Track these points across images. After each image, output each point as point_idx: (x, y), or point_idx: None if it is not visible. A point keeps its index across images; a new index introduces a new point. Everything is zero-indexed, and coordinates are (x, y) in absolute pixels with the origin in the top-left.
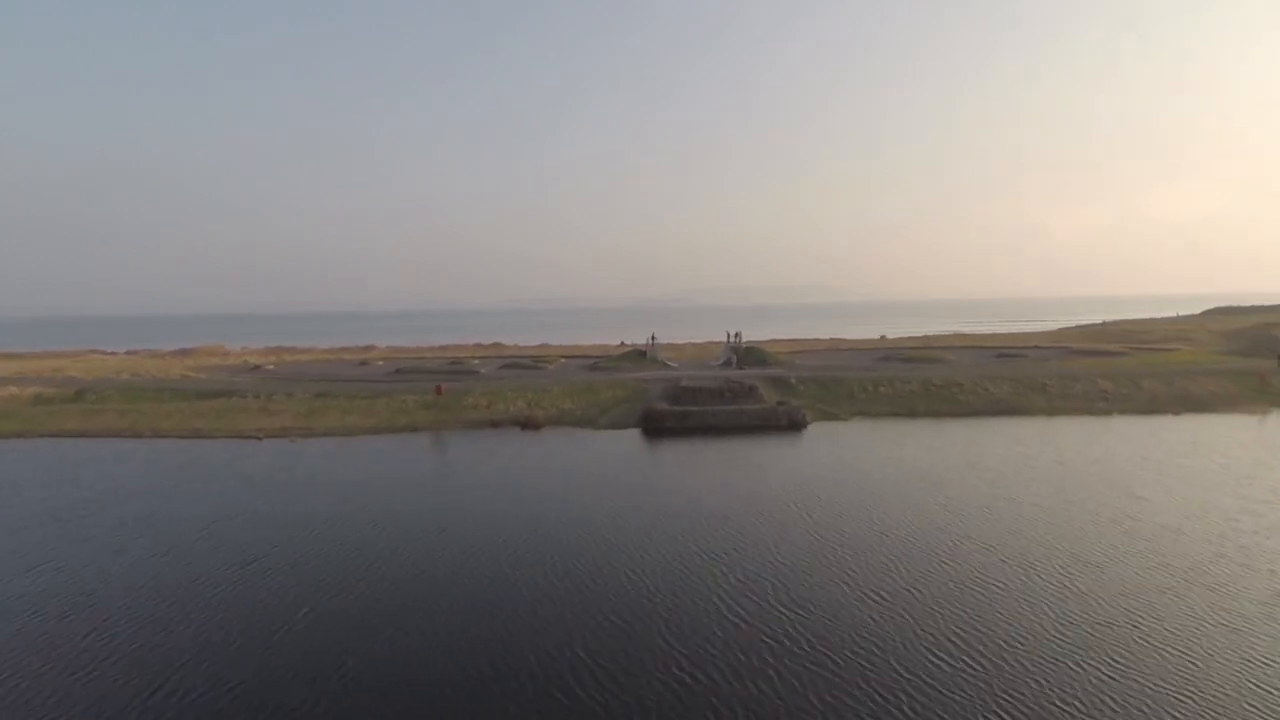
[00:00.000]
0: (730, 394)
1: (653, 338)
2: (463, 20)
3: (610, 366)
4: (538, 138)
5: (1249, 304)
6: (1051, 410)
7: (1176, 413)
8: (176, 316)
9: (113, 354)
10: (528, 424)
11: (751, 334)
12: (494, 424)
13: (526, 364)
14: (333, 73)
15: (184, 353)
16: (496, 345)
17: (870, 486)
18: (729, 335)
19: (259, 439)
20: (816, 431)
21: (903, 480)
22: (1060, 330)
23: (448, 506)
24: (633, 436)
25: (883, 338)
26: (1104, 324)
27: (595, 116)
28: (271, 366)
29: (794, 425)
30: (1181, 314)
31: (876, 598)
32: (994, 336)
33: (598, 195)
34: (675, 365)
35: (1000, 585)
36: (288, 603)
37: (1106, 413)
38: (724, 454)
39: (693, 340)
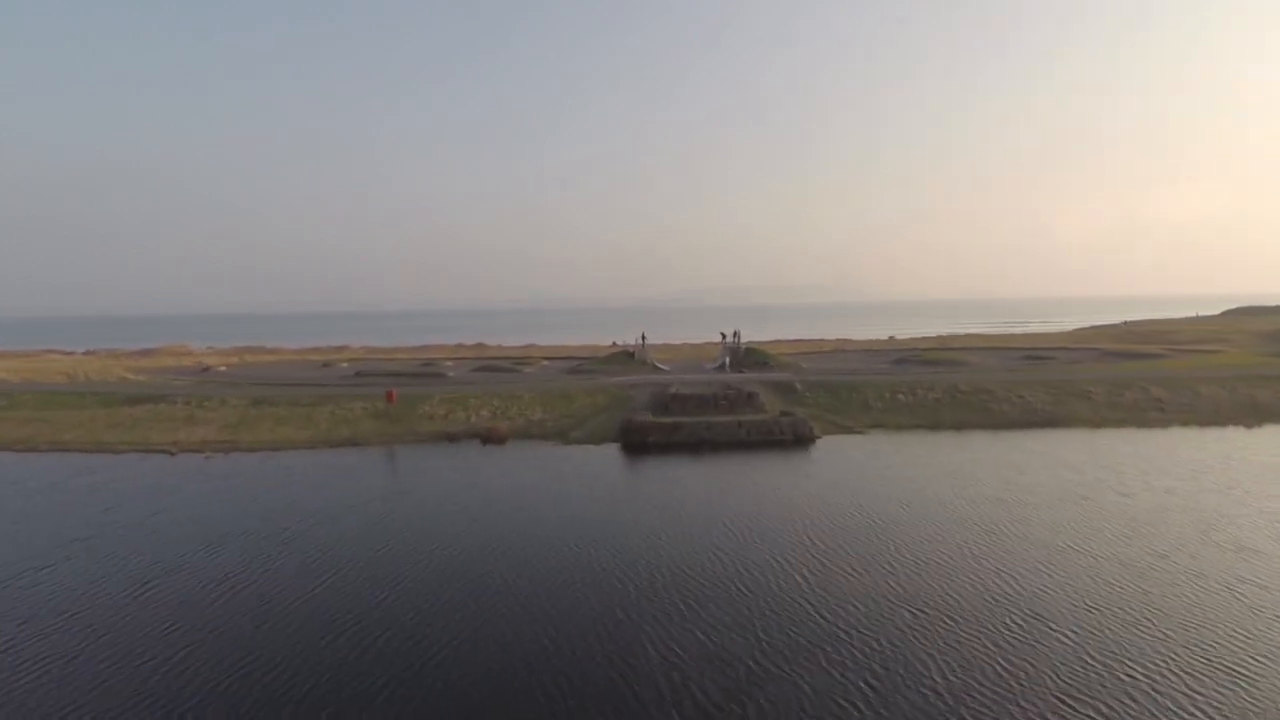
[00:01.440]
0: (726, 402)
1: (642, 337)
2: (462, 20)
3: (593, 370)
4: (538, 137)
5: (1263, 304)
6: (1098, 421)
7: (1248, 425)
8: (175, 317)
9: (70, 354)
10: (489, 437)
11: (752, 334)
12: (450, 437)
13: (503, 366)
14: (333, 72)
15: (145, 353)
16: (479, 345)
17: (895, 533)
18: (724, 336)
19: (171, 454)
20: (826, 447)
21: (934, 522)
22: (1076, 331)
23: (339, 565)
24: (610, 453)
25: (891, 338)
26: (1124, 324)
27: (596, 116)
28: (225, 368)
29: (800, 440)
30: (1200, 314)
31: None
32: (1013, 337)
33: (599, 195)
34: (667, 368)
35: (1104, 705)
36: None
37: (1163, 424)
38: (713, 477)
39: (689, 340)
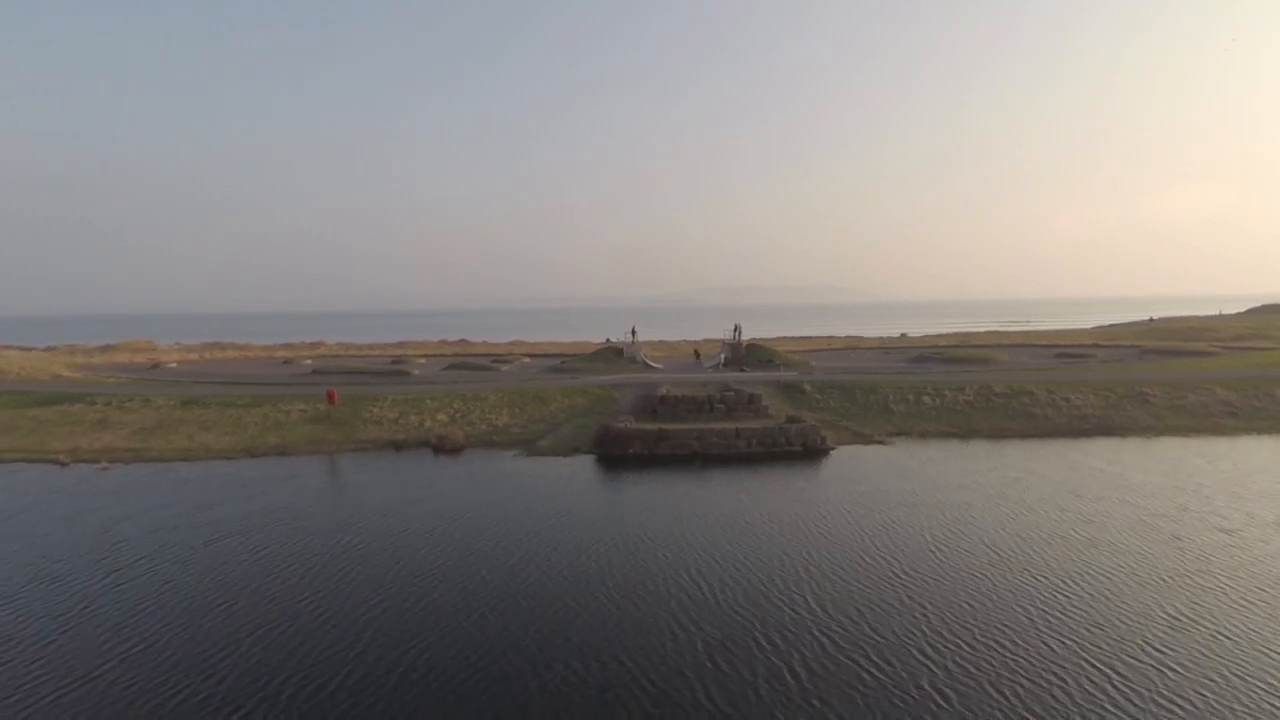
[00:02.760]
0: (724, 406)
1: (633, 332)
2: (471, 22)
3: (576, 367)
4: (545, 138)
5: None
6: (1160, 428)
7: None
8: (180, 315)
9: (28, 350)
10: (441, 446)
11: (756, 331)
12: (397, 445)
13: (478, 364)
14: (346, 75)
15: (104, 349)
16: (462, 342)
17: (931, 594)
18: (729, 334)
19: (62, 464)
20: (842, 461)
21: (983, 577)
22: (1099, 329)
23: (184, 610)
24: (582, 467)
25: (904, 335)
26: (1151, 321)
27: (604, 116)
28: (175, 365)
29: (810, 451)
30: (1222, 312)
31: None
32: (1037, 334)
33: (607, 195)
34: (659, 366)
35: None
36: None
37: (1237, 431)
38: (702, 501)
39: (687, 338)
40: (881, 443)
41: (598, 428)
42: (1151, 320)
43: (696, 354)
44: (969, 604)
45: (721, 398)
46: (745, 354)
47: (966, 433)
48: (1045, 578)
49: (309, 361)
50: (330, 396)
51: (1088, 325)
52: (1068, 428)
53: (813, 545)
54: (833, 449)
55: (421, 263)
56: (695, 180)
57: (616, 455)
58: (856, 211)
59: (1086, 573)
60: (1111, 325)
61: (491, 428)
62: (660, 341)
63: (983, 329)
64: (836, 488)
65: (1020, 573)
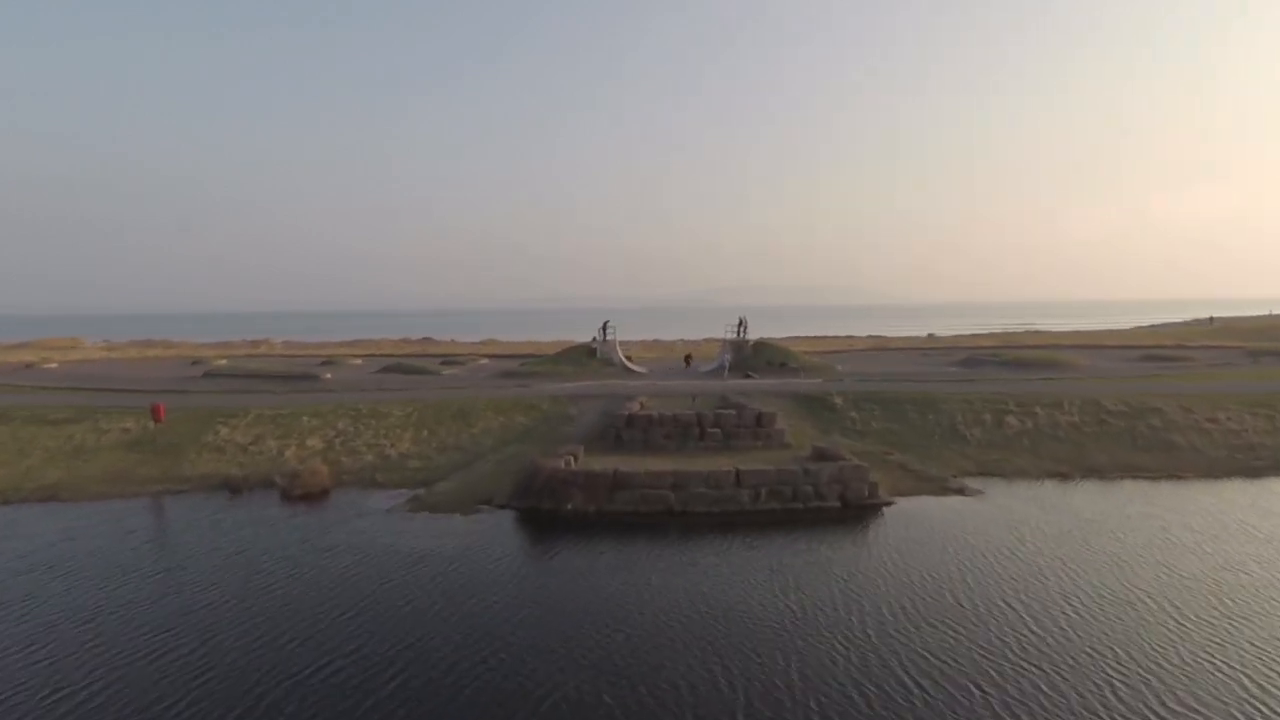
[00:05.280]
0: (720, 430)
1: (603, 328)
2: (471, 22)
3: (536, 370)
4: (554, 137)
5: None
6: None
7: None
8: (180, 315)
9: None
10: (292, 489)
11: (767, 332)
12: (234, 486)
13: (417, 367)
14: (346, 75)
15: (21, 346)
16: (425, 340)
17: None
18: (730, 330)
19: None
20: (904, 525)
21: None
22: (1138, 331)
23: None
24: (492, 533)
25: (931, 336)
26: (1213, 321)
27: (613, 115)
28: (55, 366)
29: (852, 505)
30: (1274, 312)
31: None
32: (1098, 334)
33: (619, 194)
34: (642, 371)
35: None
36: None
37: None
38: (675, 619)
39: (684, 337)
40: (960, 492)
41: (526, 469)
42: (1212, 320)
43: (687, 360)
44: None
45: (716, 418)
46: (752, 355)
47: (1081, 470)
48: None
49: (224, 361)
50: (155, 412)
51: (1124, 326)
52: (1228, 463)
53: None
54: (889, 503)
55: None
56: (709, 180)
57: (548, 512)
58: (866, 212)
59: None
60: (1152, 326)
61: (380, 459)
62: (655, 341)
63: (1005, 328)
64: (905, 593)
65: None
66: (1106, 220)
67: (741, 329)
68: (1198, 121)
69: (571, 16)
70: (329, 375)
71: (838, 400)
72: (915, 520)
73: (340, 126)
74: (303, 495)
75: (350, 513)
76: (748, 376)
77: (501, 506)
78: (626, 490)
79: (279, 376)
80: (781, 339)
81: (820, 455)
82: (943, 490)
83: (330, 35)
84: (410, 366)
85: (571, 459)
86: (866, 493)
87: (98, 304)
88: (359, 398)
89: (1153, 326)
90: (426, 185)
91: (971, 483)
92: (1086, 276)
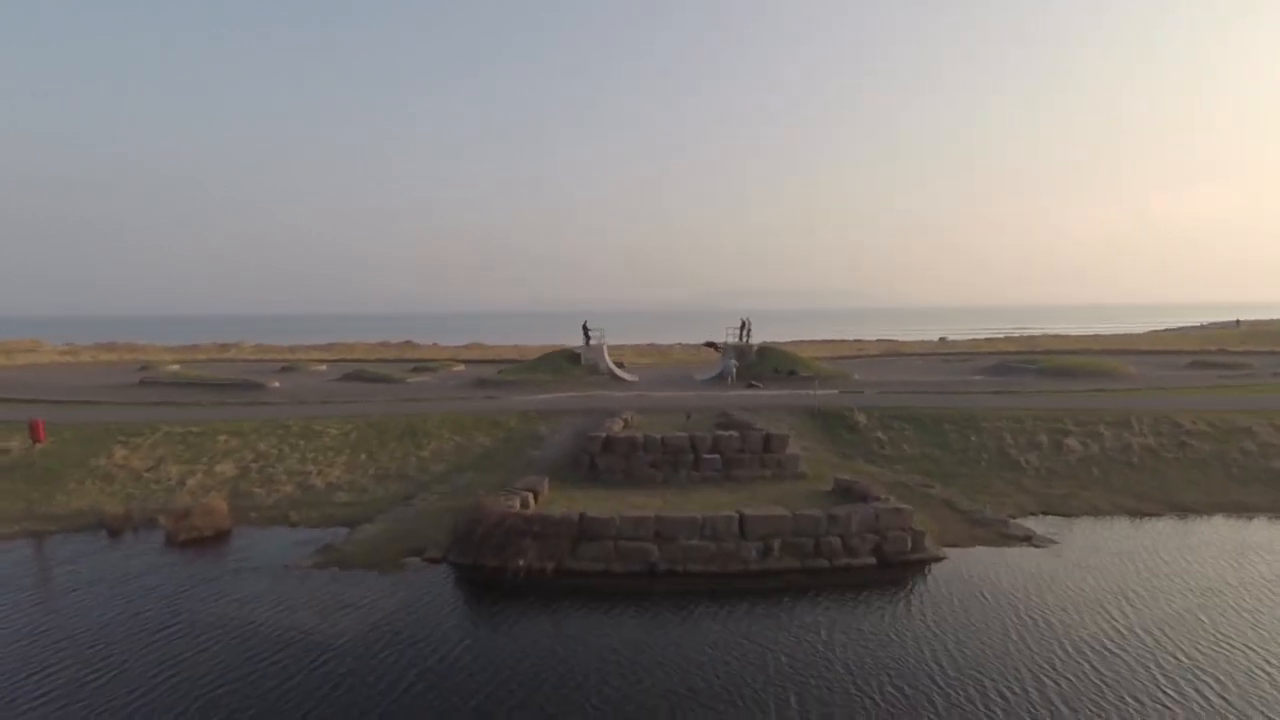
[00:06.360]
0: (720, 457)
1: (585, 330)
2: (471, 22)
3: (510, 378)
4: (556, 139)
5: None
6: None
7: None
8: (188, 316)
9: None
10: (178, 532)
11: (771, 337)
12: (114, 525)
13: (380, 374)
14: (346, 75)
15: None
16: (407, 344)
17: None
18: (732, 333)
19: None
20: (959, 587)
21: None
22: (1153, 334)
23: None
24: (420, 600)
25: (943, 340)
26: (1239, 324)
27: (615, 116)
28: None
29: (891, 561)
30: None
31: None
32: (1129, 338)
33: (620, 197)
34: (632, 379)
35: None
36: None
37: None
38: None
39: (682, 341)
40: (1027, 539)
41: (465, 517)
42: (1239, 323)
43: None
44: None
45: (715, 441)
46: (756, 361)
47: (1168, 507)
48: None
49: (176, 367)
50: (34, 429)
51: (1139, 330)
52: None
53: None
54: (937, 558)
55: (422, 263)
56: (711, 183)
57: (493, 570)
58: (866, 213)
59: None
60: (1171, 330)
61: (301, 491)
62: (650, 345)
63: (1005, 332)
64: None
65: None
66: (1106, 220)
67: (744, 332)
68: (1198, 121)
69: (571, 17)
70: (276, 384)
71: (860, 418)
72: (974, 585)
73: (340, 127)
74: (191, 539)
75: (238, 566)
76: (752, 386)
77: (435, 560)
78: (596, 542)
79: (217, 385)
80: (787, 344)
81: (845, 490)
82: (1003, 538)
83: (330, 35)
84: (373, 374)
85: (530, 497)
86: (910, 544)
87: (98, 305)
88: (294, 412)
89: (1172, 330)
90: (426, 186)
91: (1035, 524)
92: (1087, 277)
